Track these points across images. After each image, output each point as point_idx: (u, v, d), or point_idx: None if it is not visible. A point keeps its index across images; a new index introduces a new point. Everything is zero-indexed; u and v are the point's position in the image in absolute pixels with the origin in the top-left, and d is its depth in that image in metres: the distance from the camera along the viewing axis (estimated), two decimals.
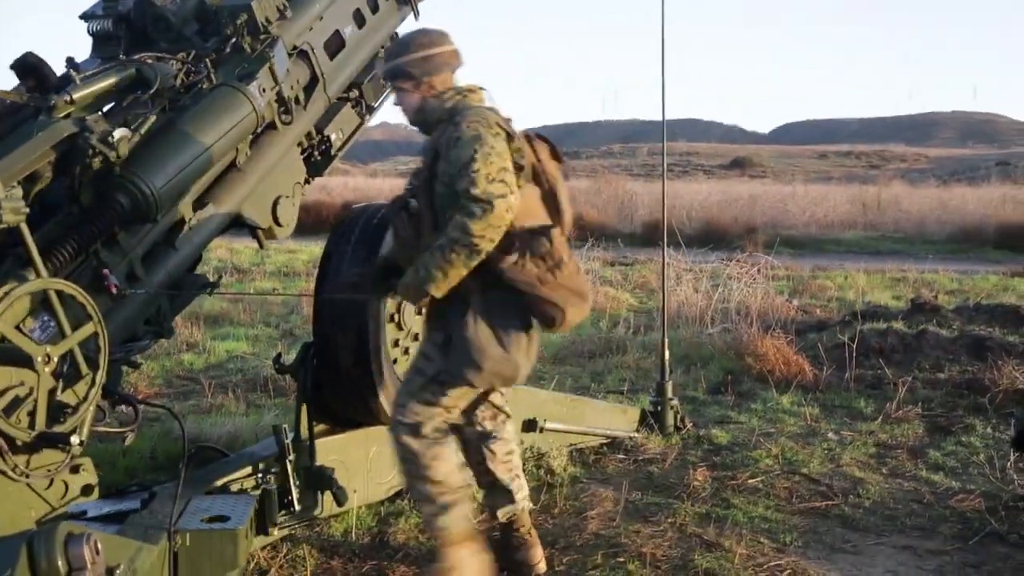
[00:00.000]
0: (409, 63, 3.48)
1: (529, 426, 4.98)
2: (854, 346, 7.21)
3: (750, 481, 4.97)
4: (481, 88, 3.59)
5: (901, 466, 5.33)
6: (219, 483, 3.78)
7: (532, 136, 3.54)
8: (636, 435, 5.65)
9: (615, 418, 5.64)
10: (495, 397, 3.75)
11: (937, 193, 25.62)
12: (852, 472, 5.18)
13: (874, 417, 6.25)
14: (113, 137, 3.48)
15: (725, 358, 7.78)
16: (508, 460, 3.79)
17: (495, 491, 3.81)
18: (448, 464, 3.49)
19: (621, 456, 5.40)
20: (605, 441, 5.51)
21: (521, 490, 3.83)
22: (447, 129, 3.34)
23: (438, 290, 3.27)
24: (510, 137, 3.34)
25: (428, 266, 3.24)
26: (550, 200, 3.46)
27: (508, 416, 3.85)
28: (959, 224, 19.54)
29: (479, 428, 3.75)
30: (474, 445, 3.78)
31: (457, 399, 3.50)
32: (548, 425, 5.03)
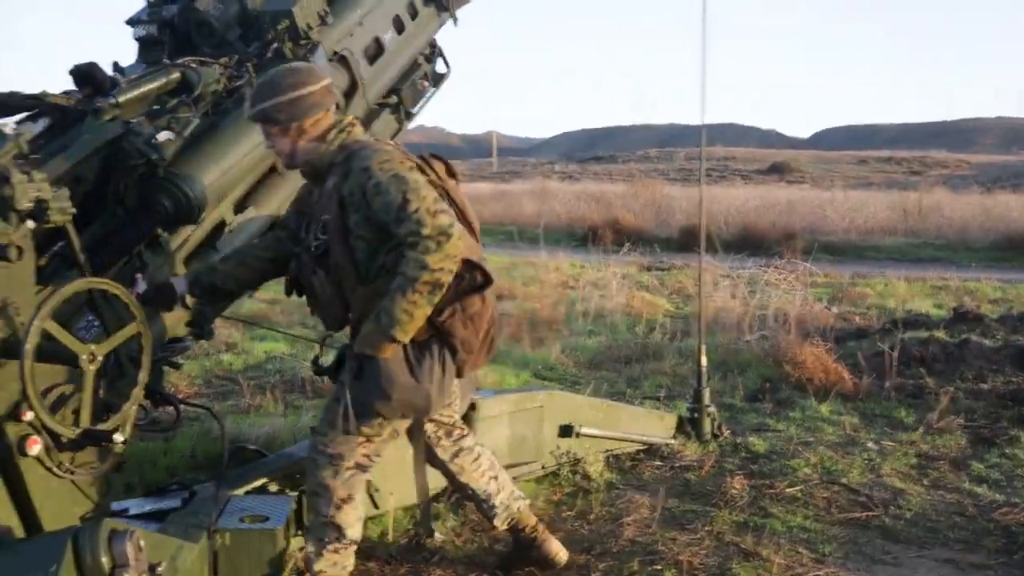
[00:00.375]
0: (275, 107, 3.22)
1: (565, 431, 4.97)
2: (895, 355, 7.12)
3: (788, 490, 4.92)
4: (356, 119, 3.47)
5: (943, 478, 5.25)
6: (258, 483, 3.81)
7: (427, 158, 3.44)
8: (673, 442, 5.62)
9: (652, 424, 5.62)
10: (441, 416, 3.67)
11: (980, 200, 25.23)
12: (893, 483, 5.12)
13: (915, 427, 6.16)
14: (157, 140, 3.54)
15: (763, 365, 7.71)
16: (477, 469, 3.76)
17: (479, 503, 3.81)
18: (355, 513, 3.36)
19: (658, 463, 5.37)
20: (642, 447, 5.49)
21: (502, 490, 3.78)
22: (352, 176, 3.15)
23: (405, 334, 3.10)
24: (420, 168, 3.24)
25: (390, 311, 3.06)
26: (463, 218, 3.39)
27: (463, 428, 3.80)
28: (1003, 232, 19.20)
29: (439, 450, 3.72)
30: (442, 468, 3.77)
31: (378, 430, 3.34)
32: (584, 431, 5.02)
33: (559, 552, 3.85)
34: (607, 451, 5.27)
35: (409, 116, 5.23)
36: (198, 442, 5.19)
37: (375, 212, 3.09)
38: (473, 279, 3.24)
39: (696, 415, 5.77)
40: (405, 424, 3.47)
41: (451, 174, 3.47)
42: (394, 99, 5.10)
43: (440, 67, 5.47)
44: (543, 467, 4.94)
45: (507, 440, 4.71)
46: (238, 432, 5.26)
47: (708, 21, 6.01)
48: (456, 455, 3.75)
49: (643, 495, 4.79)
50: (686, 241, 17.64)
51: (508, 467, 4.74)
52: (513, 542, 3.88)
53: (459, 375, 3.35)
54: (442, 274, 3.04)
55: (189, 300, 3.64)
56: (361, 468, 3.36)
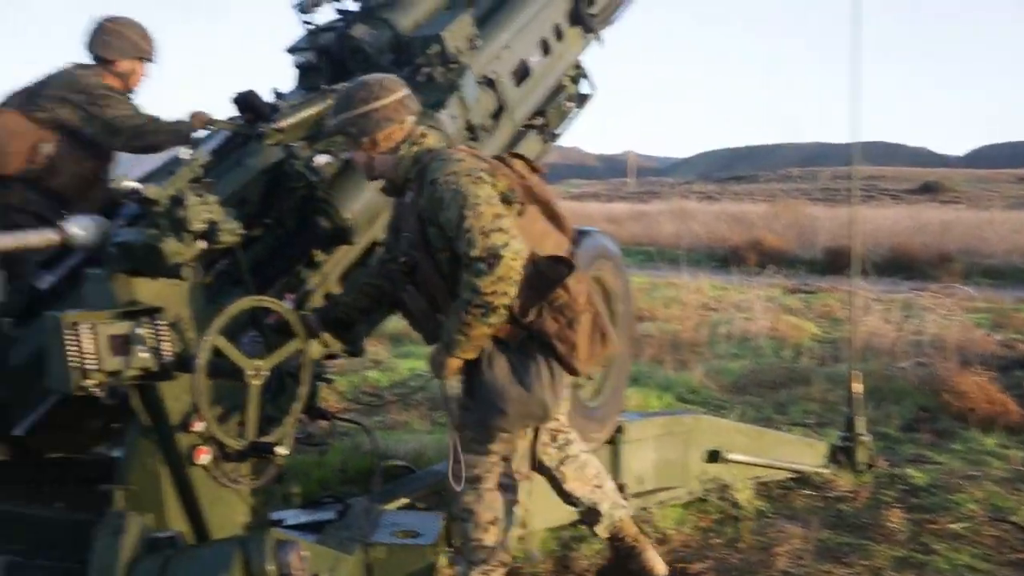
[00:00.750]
0: (347, 121, 3.25)
1: (712, 456, 4.87)
2: None
3: (952, 526, 4.68)
4: (432, 127, 3.43)
5: None
6: (408, 499, 3.87)
7: (506, 157, 3.37)
8: (825, 471, 5.43)
9: (802, 452, 5.45)
10: (550, 423, 3.54)
11: None
12: None
13: None
14: (316, 163, 3.67)
15: (919, 394, 7.38)
16: (582, 477, 3.66)
17: (583, 510, 3.71)
18: (502, 534, 3.31)
19: (809, 492, 5.20)
20: (792, 475, 5.32)
21: (604, 500, 3.67)
22: (423, 190, 3.14)
23: (465, 353, 3.11)
24: (492, 174, 3.14)
25: (448, 332, 3.10)
26: (550, 213, 3.32)
27: (568, 433, 3.69)
28: None
29: (545, 457, 3.63)
30: (547, 475, 3.68)
31: (507, 444, 3.30)
32: (732, 456, 4.91)
33: (657, 564, 3.73)
34: (755, 478, 5.13)
35: (554, 137, 5.26)
36: (348, 456, 5.32)
37: (442, 228, 3.10)
38: (555, 272, 3.16)
39: (849, 444, 5.57)
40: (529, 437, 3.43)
41: (534, 169, 3.40)
42: (539, 120, 5.14)
43: (585, 88, 5.48)
44: (689, 492, 4.85)
45: (653, 464, 4.65)
46: (385, 448, 5.36)
47: (860, 34, 5.83)
48: (562, 462, 3.66)
49: (795, 525, 4.64)
50: (832, 263, 17.09)
51: (653, 491, 4.70)
52: (612, 551, 3.76)
53: (572, 373, 3.25)
54: (494, 297, 2.98)
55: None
56: (503, 488, 3.34)
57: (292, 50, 4.60)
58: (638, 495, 4.59)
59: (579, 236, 4.16)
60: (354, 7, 4.66)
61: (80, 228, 2.92)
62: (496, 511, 3.31)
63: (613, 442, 4.51)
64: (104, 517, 2.85)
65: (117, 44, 4.42)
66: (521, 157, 3.40)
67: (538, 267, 3.10)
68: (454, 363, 3.15)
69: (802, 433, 6.19)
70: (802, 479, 5.32)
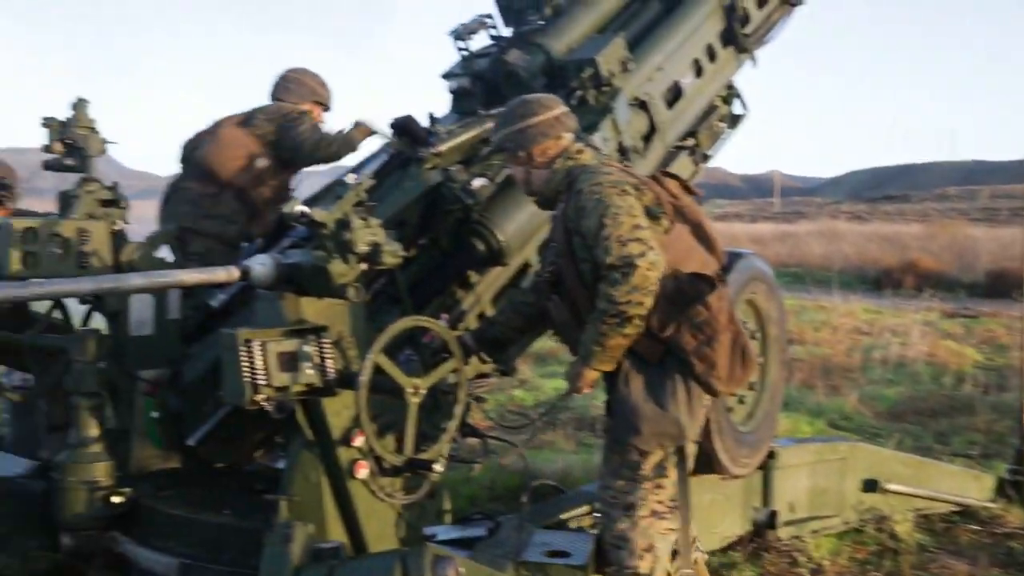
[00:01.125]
0: (504, 138, 3.35)
1: (869, 486, 4.71)
2: None
3: None
4: (589, 145, 3.43)
5: None
6: (558, 519, 3.89)
7: (659, 176, 3.35)
8: (992, 505, 5.16)
9: (966, 484, 5.20)
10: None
11: None
12: None
13: None
14: (472, 186, 3.76)
15: None
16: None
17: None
18: (659, 563, 3.21)
19: (975, 527, 4.95)
20: (955, 509, 5.08)
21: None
22: (571, 200, 3.17)
23: (601, 364, 3.10)
24: (639, 189, 3.14)
25: (585, 343, 3.10)
26: (700, 234, 3.27)
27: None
28: None
29: None
30: None
31: (655, 466, 3.20)
32: (890, 486, 4.73)
33: None
34: (916, 510, 4.93)
35: (705, 158, 5.22)
36: (496, 474, 5.38)
37: (583, 236, 3.10)
38: (695, 289, 3.12)
39: (1019, 477, 5.28)
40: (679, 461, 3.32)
41: (687, 190, 3.38)
42: (691, 141, 5.11)
43: (737, 108, 5.42)
44: (845, 522, 4.70)
45: (807, 491, 4.54)
46: (532, 467, 5.40)
47: (1004, 49, 5.55)
48: None
49: (960, 561, 4.43)
50: (995, 286, 16.26)
51: (806, 519, 4.58)
52: None
53: (711, 394, 3.19)
54: (629, 307, 2.98)
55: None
56: (658, 516, 3.24)
57: (447, 76, 4.73)
58: (790, 523, 4.48)
59: (732, 258, 4.12)
60: (507, 33, 4.76)
61: (260, 264, 3.08)
62: (651, 539, 3.23)
63: (764, 468, 4.42)
64: (273, 526, 2.97)
65: (296, 89, 4.83)
66: (676, 177, 3.40)
67: (679, 283, 3.09)
68: (590, 375, 3.16)
69: (965, 465, 5.90)
70: (967, 513, 5.08)
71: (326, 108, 4.93)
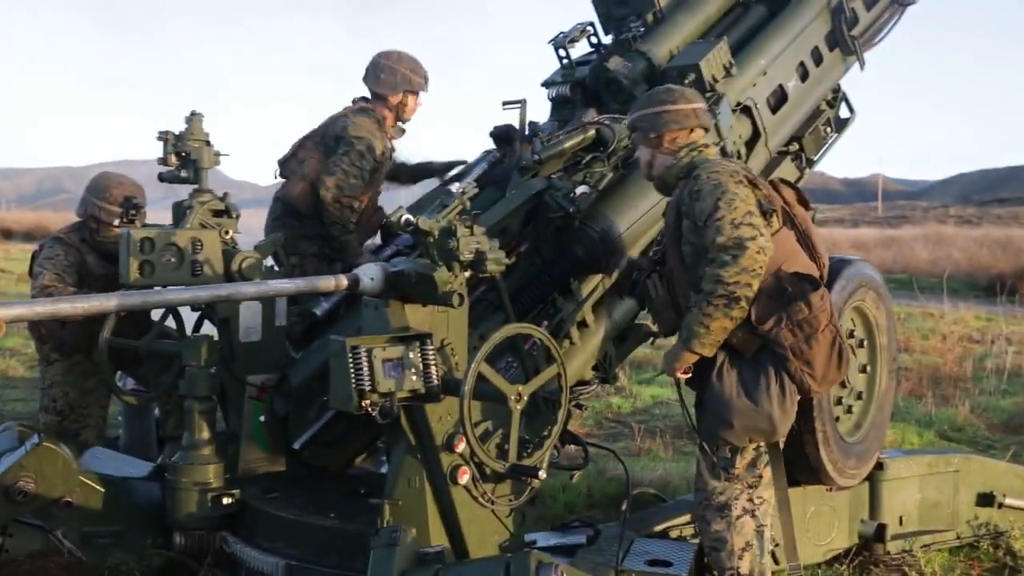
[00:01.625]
0: (639, 118, 3.44)
1: (985, 500, 4.54)
2: None
3: None
4: (715, 144, 3.49)
5: None
6: (658, 528, 3.86)
7: (777, 183, 3.40)
8: None
9: None
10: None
11: None
12: None
13: None
14: (575, 194, 3.76)
15: None
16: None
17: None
18: (757, 561, 3.22)
19: None
20: None
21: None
22: (687, 185, 3.24)
23: (703, 347, 3.12)
24: (755, 184, 3.20)
25: (689, 324, 3.12)
26: (805, 242, 3.30)
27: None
28: None
29: None
30: None
31: (748, 465, 3.23)
32: (1009, 501, 4.55)
33: None
34: None
35: (811, 163, 5.12)
36: (594, 482, 5.36)
37: (694, 217, 3.15)
38: (800, 289, 3.13)
39: None
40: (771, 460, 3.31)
41: (802, 201, 3.42)
42: (795, 146, 5.02)
43: (843, 112, 5.30)
44: (958, 537, 4.53)
45: (917, 504, 4.40)
46: (631, 475, 5.36)
47: None
48: None
49: None
50: None
51: (917, 533, 4.43)
52: None
53: (804, 393, 3.19)
54: (737, 287, 3.02)
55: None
56: (750, 514, 3.28)
57: (547, 84, 4.74)
58: (899, 536, 4.35)
59: (840, 264, 4.03)
60: (608, 40, 4.75)
61: (369, 276, 3.14)
62: (748, 536, 3.27)
63: (872, 479, 4.31)
64: (378, 529, 3.02)
65: (388, 79, 4.75)
66: (793, 187, 3.45)
67: (781, 280, 3.12)
68: (688, 358, 3.18)
69: None
70: None
71: (420, 92, 4.84)
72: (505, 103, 4.31)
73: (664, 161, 3.42)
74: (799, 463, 3.98)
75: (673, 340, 3.34)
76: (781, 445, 3.34)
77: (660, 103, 3.42)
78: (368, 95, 4.79)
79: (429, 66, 4.84)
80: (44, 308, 2.71)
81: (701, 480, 3.32)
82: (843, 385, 4.10)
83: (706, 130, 3.47)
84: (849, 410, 4.16)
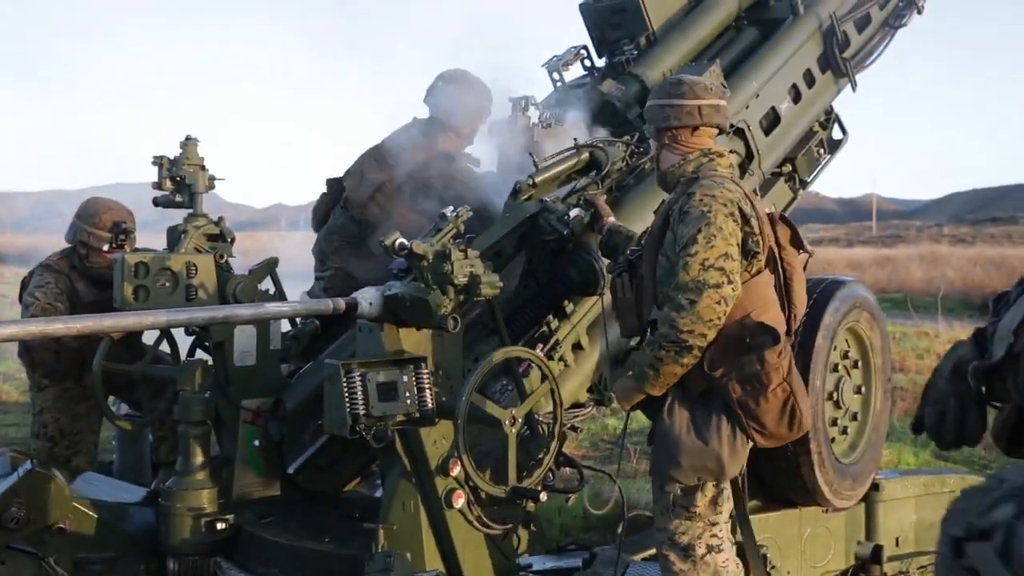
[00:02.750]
0: (649, 108, 3.25)
1: None
2: None
3: None
4: (731, 152, 3.30)
5: None
6: (654, 551, 3.84)
7: (776, 218, 3.20)
8: None
9: None
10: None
11: None
12: None
13: None
14: (569, 216, 3.77)
15: None
16: None
17: None
18: None
19: None
20: None
21: None
22: (681, 197, 3.07)
23: (652, 388, 3.02)
24: (747, 217, 3.02)
25: (640, 363, 3.02)
26: (783, 289, 3.15)
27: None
28: None
29: None
30: None
31: (709, 503, 3.11)
32: None
33: None
34: None
35: (804, 184, 5.15)
36: (590, 504, 5.34)
37: (676, 237, 3.02)
38: (758, 341, 3.02)
39: None
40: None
41: (796, 243, 3.24)
42: (789, 168, 5.05)
43: (836, 133, 5.33)
44: None
45: (913, 525, 4.39)
46: (627, 497, 5.34)
47: None
48: None
49: None
50: None
51: (914, 555, 4.42)
52: None
53: (752, 442, 3.08)
54: (691, 336, 2.90)
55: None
56: (716, 550, 3.16)
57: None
58: (896, 557, 4.34)
59: (834, 285, 4.05)
60: (601, 64, 4.78)
61: (368, 300, 3.14)
62: (714, 572, 3.16)
63: (868, 501, 4.30)
64: (373, 554, 3.01)
65: (462, 113, 4.44)
66: (792, 228, 3.26)
67: (744, 328, 3.00)
68: (638, 396, 3.09)
69: None
70: None
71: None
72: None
73: (669, 158, 3.21)
74: (794, 485, 3.99)
75: (631, 341, 3.27)
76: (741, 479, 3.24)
77: (666, 95, 3.22)
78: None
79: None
80: (38, 327, 2.71)
81: (661, 520, 3.19)
82: (838, 406, 4.11)
83: (720, 131, 3.28)
84: (844, 431, 4.17)
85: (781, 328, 3.10)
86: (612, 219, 3.67)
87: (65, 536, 3.62)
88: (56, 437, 4.51)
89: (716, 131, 3.25)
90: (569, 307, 3.95)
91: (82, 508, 3.69)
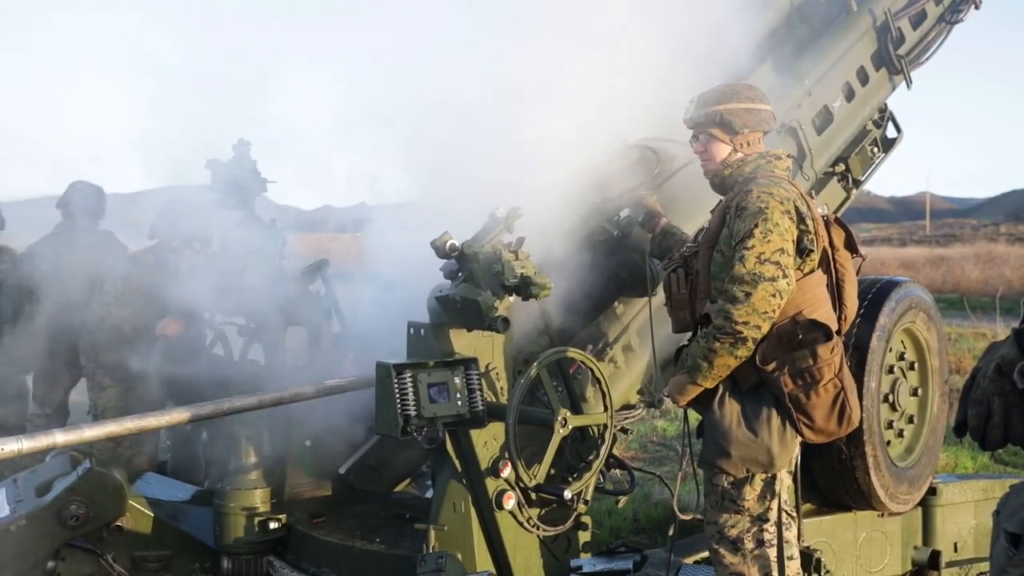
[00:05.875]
0: (731, 112, 3.19)
1: None
2: None
3: None
4: (788, 156, 3.27)
5: None
6: (706, 554, 3.81)
7: (831, 220, 3.20)
8: None
9: None
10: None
11: None
12: None
13: None
14: (619, 217, 3.75)
15: None
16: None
17: None
18: None
19: None
20: None
21: None
22: (738, 195, 3.08)
23: (705, 380, 3.02)
24: (803, 217, 3.02)
25: (692, 354, 3.03)
26: (835, 290, 3.15)
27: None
28: None
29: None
30: None
31: (758, 497, 3.09)
32: None
33: None
34: None
35: (857, 184, 5.06)
36: (639, 506, 5.32)
37: (731, 233, 3.02)
38: (810, 337, 3.01)
39: None
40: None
41: (849, 246, 3.24)
42: (842, 167, 4.97)
43: (890, 131, 5.24)
44: None
45: (972, 530, 4.31)
46: (680, 500, 5.30)
47: None
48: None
49: None
50: None
51: (973, 560, 4.34)
52: None
53: (800, 436, 3.08)
54: (746, 328, 2.90)
55: None
56: (767, 544, 3.14)
57: None
58: (954, 563, 4.25)
59: (889, 286, 3.98)
60: None
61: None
62: (765, 569, 3.15)
63: (925, 505, 4.23)
64: (424, 555, 3.02)
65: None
66: (846, 229, 3.26)
67: (796, 324, 3.00)
68: (693, 390, 3.09)
69: None
70: None
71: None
72: None
73: (734, 162, 3.19)
74: (849, 488, 3.93)
75: (682, 337, 3.26)
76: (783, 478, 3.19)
77: (752, 100, 3.22)
78: None
79: None
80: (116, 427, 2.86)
81: (711, 513, 3.19)
82: (894, 408, 4.04)
83: (763, 135, 3.26)
84: (900, 434, 4.10)
85: (833, 326, 3.10)
86: (665, 220, 3.65)
87: (123, 534, 3.69)
88: (119, 438, 4.59)
89: (761, 134, 3.26)
90: (619, 308, 3.93)
91: (139, 507, 3.76)
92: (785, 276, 2.93)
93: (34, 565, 3.50)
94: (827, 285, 3.14)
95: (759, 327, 2.93)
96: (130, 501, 3.73)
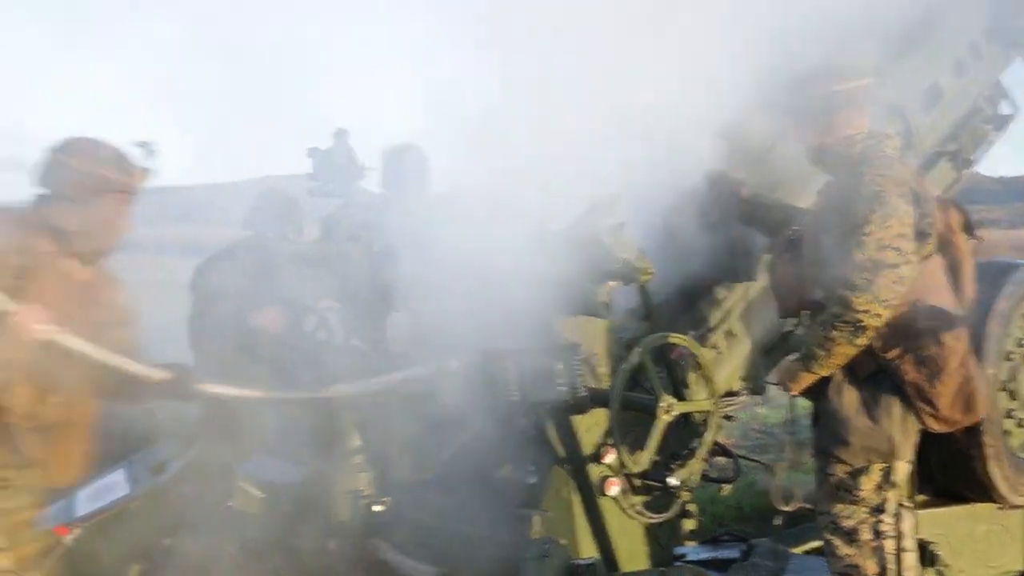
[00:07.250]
0: (837, 90, 3.10)
1: None
2: None
3: None
4: (897, 134, 3.17)
5: None
6: (814, 544, 3.74)
7: (947, 203, 3.13)
8: None
9: None
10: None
11: None
12: None
13: None
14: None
15: None
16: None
17: None
18: None
19: None
20: None
21: None
22: (849, 178, 2.99)
23: (821, 369, 2.96)
24: (919, 199, 2.93)
25: (808, 342, 2.97)
26: (956, 275, 3.07)
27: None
28: None
29: None
30: None
31: (875, 488, 3.02)
32: None
33: None
34: None
35: (968, 164, 4.84)
36: (743, 494, 5.24)
37: (844, 217, 2.94)
38: (932, 321, 2.94)
39: None
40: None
41: (967, 229, 3.18)
42: (952, 146, 4.77)
43: (1004, 108, 5.01)
44: None
45: None
46: (787, 488, 5.19)
47: None
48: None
49: None
50: None
51: None
52: None
53: (921, 424, 3.01)
54: (866, 316, 2.83)
55: None
56: (884, 536, 3.07)
57: None
58: None
59: (1007, 269, 3.84)
60: None
61: None
62: (884, 561, 3.08)
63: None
64: (527, 541, 3.02)
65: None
66: (963, 211, 3.21)
67: (917, 310, 2.94)
68: (807, 378, 3.04)
69: None
70: None
71: None
72: None
73: (835, 146, 3.10)
74: (967, 479, 3.81)
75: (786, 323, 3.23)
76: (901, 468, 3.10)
77: (836, 78, 3.12)
78: None
79: None
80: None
81: (825, 503, 3.15)
82: (1013, 397, 3.89)
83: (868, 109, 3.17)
84: (1021, 424, 3.93)
85: (955, 312, 3.03)
86: (746, 189, 3.55)
87: (231, 515, 3.78)
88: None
89: (864, 115, 3.16)
90: (720, 292, 3.86)
91: (247, 488, 3.84)
92: (907, 262, 2.85)
93: (154, 542, 3.61)
94: (946, 269, 3.06)
95: (880, 315, 2.85)
96: (239, 483, 3.82)
